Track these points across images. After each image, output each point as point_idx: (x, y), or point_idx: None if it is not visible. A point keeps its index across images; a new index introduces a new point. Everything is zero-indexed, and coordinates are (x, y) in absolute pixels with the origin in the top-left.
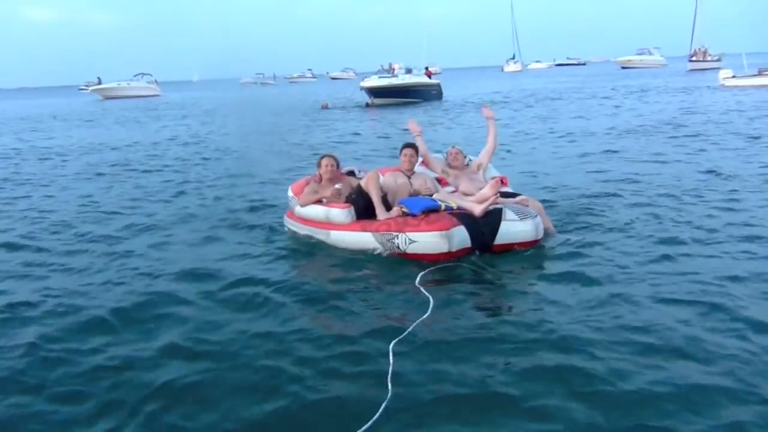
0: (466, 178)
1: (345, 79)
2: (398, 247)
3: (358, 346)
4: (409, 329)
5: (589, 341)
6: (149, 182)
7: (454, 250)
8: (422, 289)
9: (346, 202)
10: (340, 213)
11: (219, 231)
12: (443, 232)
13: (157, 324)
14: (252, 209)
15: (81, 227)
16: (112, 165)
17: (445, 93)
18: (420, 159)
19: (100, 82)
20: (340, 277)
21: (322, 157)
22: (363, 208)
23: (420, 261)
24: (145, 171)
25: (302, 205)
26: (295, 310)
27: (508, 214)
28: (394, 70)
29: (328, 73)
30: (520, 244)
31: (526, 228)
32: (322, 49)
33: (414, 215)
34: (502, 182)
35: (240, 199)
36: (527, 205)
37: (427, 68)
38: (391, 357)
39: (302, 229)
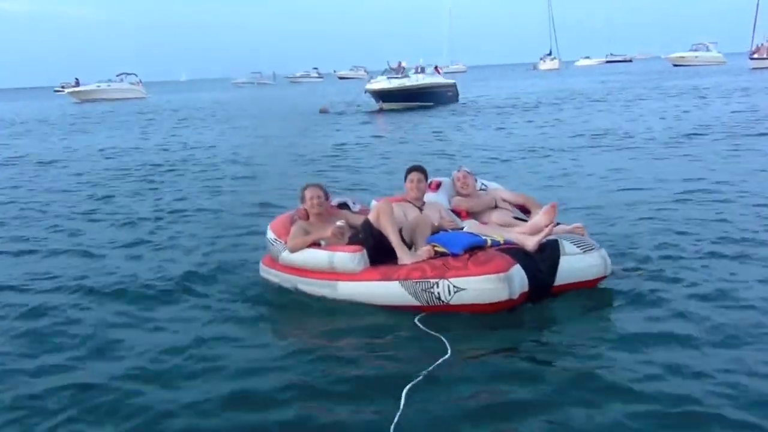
0: (487, 205)
1: (355, 78)
2: (438, 298)
3: (363, 393)
4: (421, 376)
5: (648, 401)
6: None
7: (516, 296)
8: (427, 329)
9: (352, 242)
10: (352, 258)
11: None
12: (501, 274)
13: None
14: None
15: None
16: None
17: (466, 94)
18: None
19: (78, 84)
20: (339, 324)
21: (306, 188)
22: (374, 251)
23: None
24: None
25: (292, 250)
26: (288, 357)
27: (567, 246)
28: (403, 69)
29: (335, 71)
30: (585, 282)
31: (593, 262)
32: (330, 44)
33: (455, 255)
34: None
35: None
36: (583, 235)
37: (436, 66)
38: (402, 403)
39: (293, 281)
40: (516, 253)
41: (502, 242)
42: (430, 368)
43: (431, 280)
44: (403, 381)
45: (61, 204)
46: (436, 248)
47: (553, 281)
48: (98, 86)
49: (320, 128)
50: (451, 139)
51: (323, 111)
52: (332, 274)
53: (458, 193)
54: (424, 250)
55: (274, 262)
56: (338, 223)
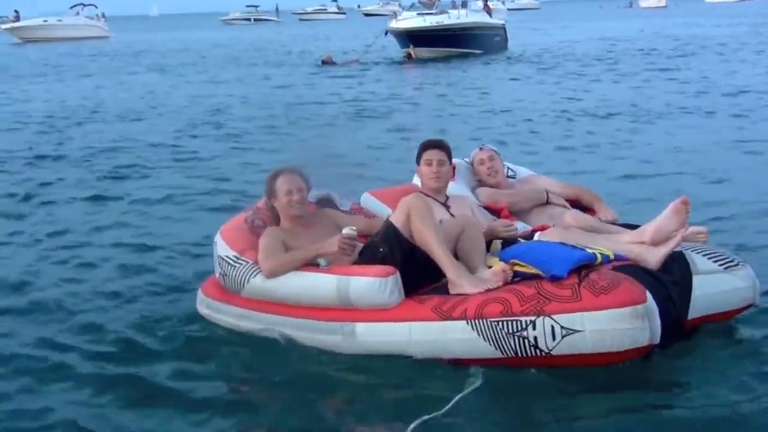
0: (536, 200)
1: (385, 15)
2: (535, 346)
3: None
4: (439, 412)
5: None
6: None
7: (657, 340)
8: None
9: (366, 261)
10: (380, 286)
11: None
12: (638, 306)
13: None
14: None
15: None
16: None
17: (521, 40)
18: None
19: (18, 18)
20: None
21: (277, 176)
22: (404, 272)
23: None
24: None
25: (272, 274)
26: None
27: (699, 262)
28: (435, 3)
29: (359, 6)
30: (726, 313)
31: (739, 284)
32: None
33: (556, 278)
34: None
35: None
36: (705, 240)
37: (485, 2)
38: None
39: (270, 323)
40: (638, 273)
41: (612, 257)
42: (451, 403)
43: (522, 318)
44: (415, 416)
45: None
46: (516, 266)
47: (687, 313)
48: (45, 21)
49: (321, 83)
50: (512, 96)
51: (326, 62)
52: (345, 311)
53: (482, 182)
54: (498, 271)
55: (230, 294)
56: (345, 230)
